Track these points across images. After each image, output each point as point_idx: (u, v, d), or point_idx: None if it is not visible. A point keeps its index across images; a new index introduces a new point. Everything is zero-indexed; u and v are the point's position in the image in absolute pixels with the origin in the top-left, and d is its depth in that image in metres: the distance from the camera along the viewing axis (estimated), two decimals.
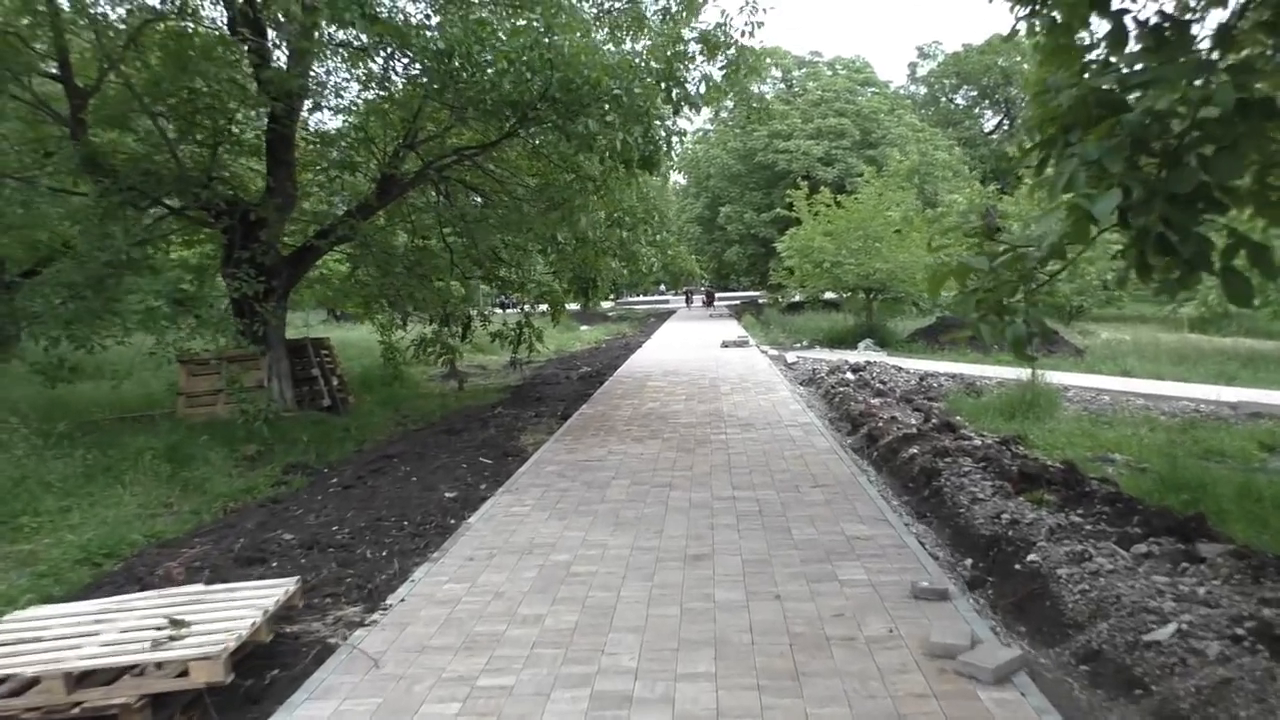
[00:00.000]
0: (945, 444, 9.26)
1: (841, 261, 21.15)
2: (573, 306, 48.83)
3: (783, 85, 46.64)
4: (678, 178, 54.88)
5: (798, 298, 27.22)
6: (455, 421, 12.19)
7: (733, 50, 11.24)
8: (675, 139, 11.28)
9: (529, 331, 14.97)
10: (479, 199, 13.14)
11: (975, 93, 49.58)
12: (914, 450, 9.24)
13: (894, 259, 20.68)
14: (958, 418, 12.00)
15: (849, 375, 16.01)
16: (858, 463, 8.79)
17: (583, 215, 9.96)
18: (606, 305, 58.12)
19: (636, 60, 10.44)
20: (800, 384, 16.14)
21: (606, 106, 9.69)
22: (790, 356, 19.92)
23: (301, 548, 5.98)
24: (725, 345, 23.29)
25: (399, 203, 13.45)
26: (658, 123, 10.50)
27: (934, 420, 11.02)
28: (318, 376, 13.26)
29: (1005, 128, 49.73)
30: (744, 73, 11.14)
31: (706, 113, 50.25)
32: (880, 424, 10.81)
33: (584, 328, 36.96)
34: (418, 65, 10.04)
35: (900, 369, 16.99)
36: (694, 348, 23.59)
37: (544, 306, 15.62)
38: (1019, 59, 46.40)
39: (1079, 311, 28.41)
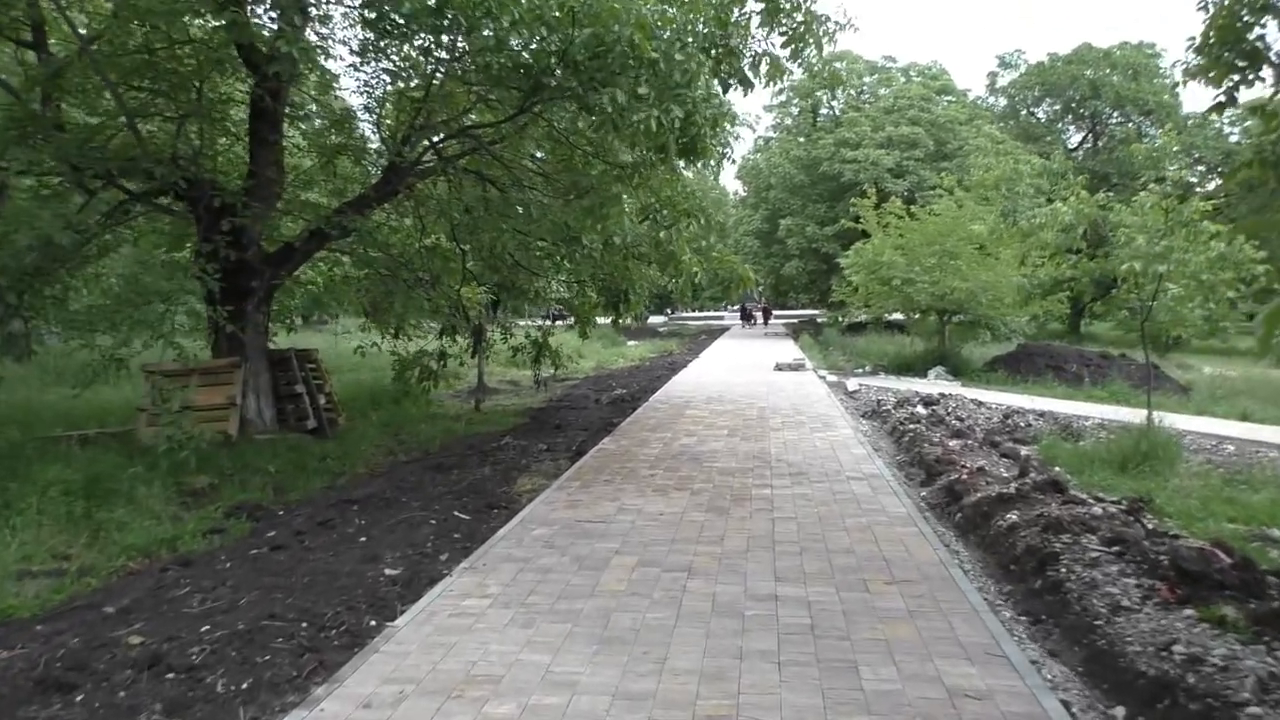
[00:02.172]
0: (1054, 511, 7.20)
1: (914, 279, 18.90)
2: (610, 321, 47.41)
3: (852, 92, 44.35)
4: (736, 185, 52.93)
5: (861, 318, 24.97)
6: (452, 453, 10.33)
7: (801, 15, 9.21)
8: (726, 123, 9.32)
9: (548, 349, 13.07)
10: (496, 192, 11.29)
11: (1059, 106, 46.62)
12: (1013, 517, 7.20)
13: (974, 277, 18.37)
14: (1057, 468, 9.86)
15: (920, 409, 13.84)
16: (943, 538, 6.68)
17: (612, 208, 7.95)
18: (657, 320, 56.29)
19: (680, 19, 8.49)
20: (863, 417, 13.99)
21: (640, 75, 7.74)
22: (851, 384, 17.74)
23: (136, 667, 4.07)
24: (779, 368, 21.13)
25: (407, 197, 11.69)
26: (702, 100, 8.54)
27: (1032, 475, 8.90)
28: (302, 393, 11.49)
29: (1089, 145, 46.73)
30: (810, 44, 9.10)
31: (769, 119, 48.39)
32: (964, 476, 8.75)
33: (631, 343, 35.10)
34: (409, 23, 8.22)
35: (979, 403, 14.75)
36: (743, 370, 21.47)
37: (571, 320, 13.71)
38: (1108, 71, 43.54)
39: (1177, 343, 25.66)
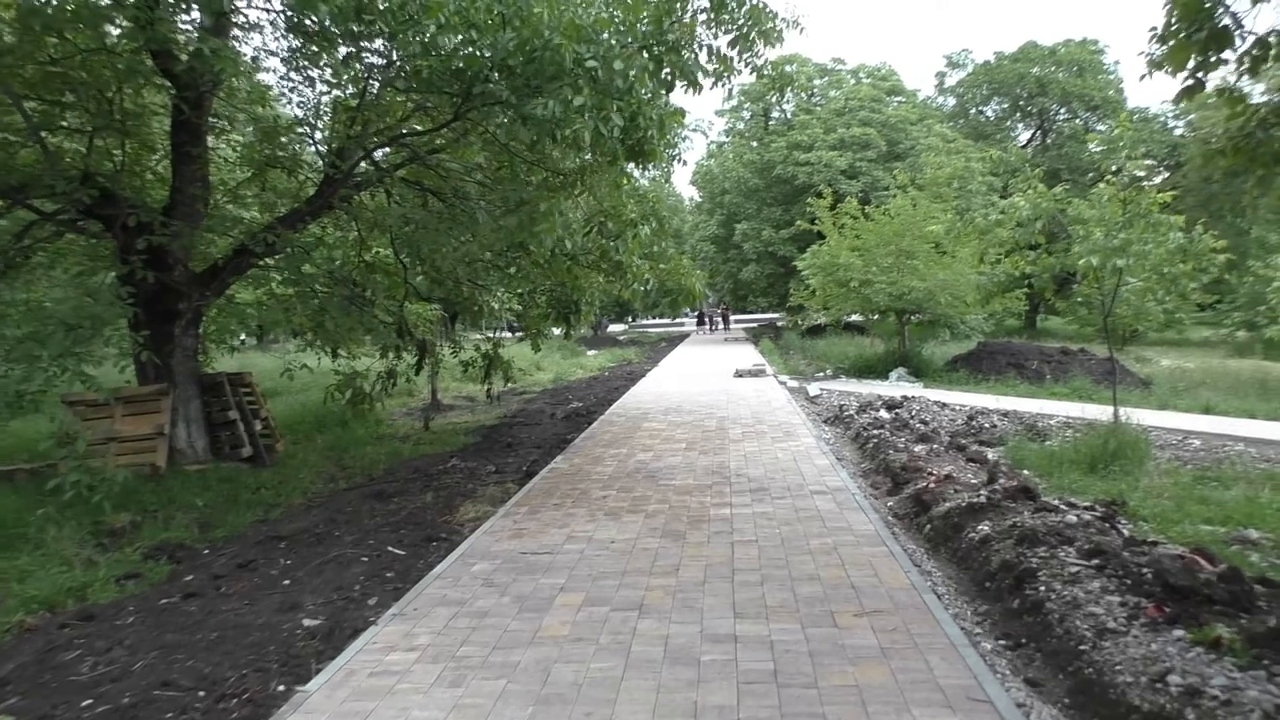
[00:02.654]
0: (1027, 520, 6.88)
1: (871, 280, 18.59)
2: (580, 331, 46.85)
3: (803, 94, 44.21)
4: (692, 192, 52.67)
5: (820, 320, 24.70)
6: (395, 478, 9.77)
7: (746, 10, 8.79)
8: (673, 124, 8.87)
9: (500, 363, 12.51)
10: (438, 203, 10.76)
11: (1007, 104, 46.87)
12: (985, 528, 6.87)
13: (932, 276, 18.10)
14: (1025, 472, 9.57)
15: (883, 413, 13.51)
16: (913, 556, 6.27)
17: (548, 220, 7.42)
18: (617, 329, 55.77)
19: (617, 20, 8.04)
20: (825, 424, 13.62)
21: (578, 82, 7.26)
22: (812, 388, 17.38)
23: None
24: (739, 375, 20.72)
25: (345, 212, 11.08)
26: (647, 102, 8.08)
27: (1002, 480, 8.56)
28: (236, 420, 10.85)
29: (1038, 142, 47.03)
30: (754, 36, 8.69)
31: (721, 124, 48.10)
32: (931, 484, 8.40)
33: (590, 353, 34.60)
34: (332, 25, 7.66)
35: (943, 405, 14.44)
36: (703, 377, 21.03)
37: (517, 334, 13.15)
38: (1054, 68, 43.88)
39: (1134, 336, 25.68)
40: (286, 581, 5.96)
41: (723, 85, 11.69)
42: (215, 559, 6.84)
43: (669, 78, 8.50)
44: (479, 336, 13.77)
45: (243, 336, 10.94)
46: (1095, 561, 5.83)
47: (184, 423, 10.44)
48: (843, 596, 5.06)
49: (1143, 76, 5.62)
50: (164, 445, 10.10)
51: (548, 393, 20.14)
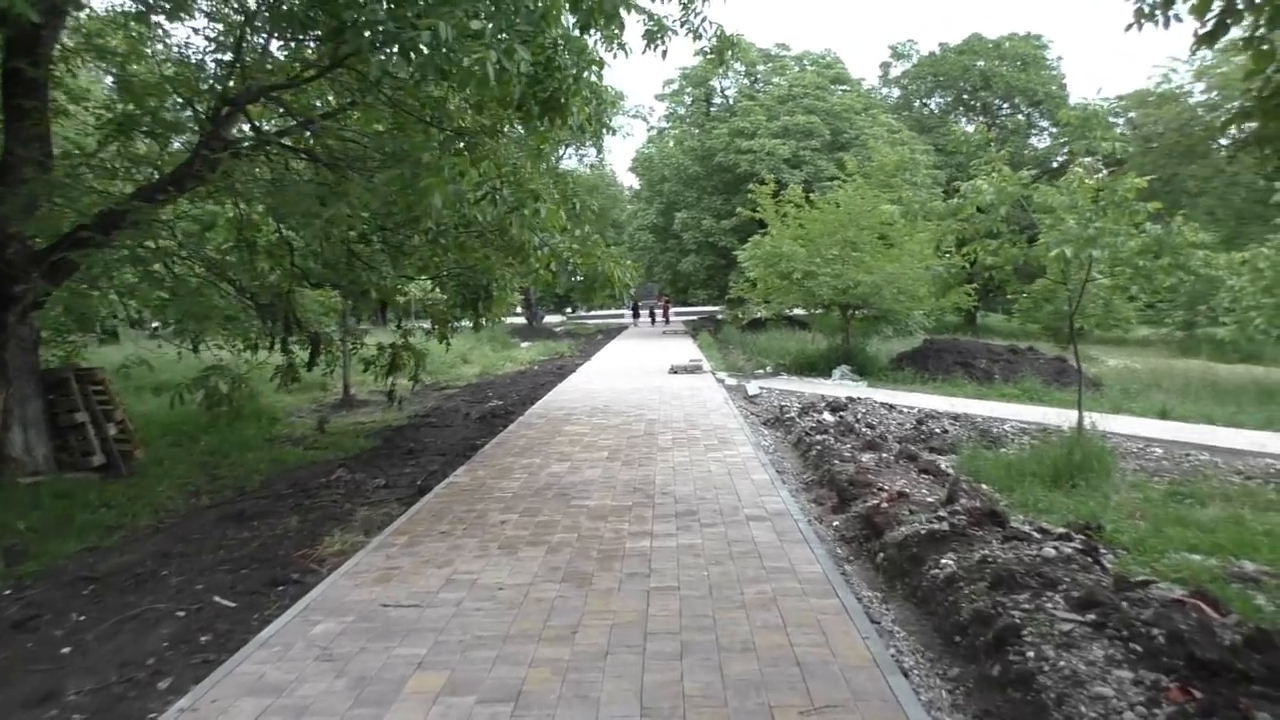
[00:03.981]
0: (998, 552, 5.82)
1: (815, 272, 17.50)
2: (514, 320, 45.11)
3: (745, 80, 43.13)
4: (631, 180, 51.38)
5: (760, 314, 23.62)
6: (267, 494, 8.36)
7: None
8: (593, 75, 7.59)
9: (408, 358, 11.10)
10: (329, 174, 9.33)
11: (950, 97, 46.41)
12: (950, 562, 5.79)
13: (879, 269, 17.07)
14: (984, 486, 8.57)
15: (827, 416, 12.45)
16: (872, 610, 5.09)
17: (434, 176, 5.98)
18: (553, 320, 54.26)
19: None
20: (764, 426, 12.51)
21: (477, 5, 5.94)
22: (751, 387, 16.26)
23: None
24: (674, 371, 19.50)
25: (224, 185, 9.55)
26: (562, 41, 6.80)
27: (963, 500, 7.53)
28: (85, 423, 9.30)
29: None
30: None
31: (661, 108, 46.74)
32: (884, 504, 7.32)
33: (524, 345, 33.22)
34: None
35: (890, 407, 13.44)
36: (636, 373, 19.76)
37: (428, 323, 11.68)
38: (998, 62, 43.49)
39: (1079, 334, 25.09)
40: (67, 649, 4.57)
41: (655, 48, 10.48)
42: (16, 600, 5.40)
43: (590, 11, 7.18)
44: (390, 328, 12.30)
45: (112, 327, 9.36)
46: (1091, 616, 4.75)
47: (19, 426, 8.87)
48: (785, 680, 3.84)
49: (1129, 26, 4.51)
50: None
51: (470, 388, 18.74)
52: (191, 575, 5.74)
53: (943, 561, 5.81)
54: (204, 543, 6.60)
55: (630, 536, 6.19)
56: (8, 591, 5.81)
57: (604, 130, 9.70)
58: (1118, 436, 10.89)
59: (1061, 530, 6.67)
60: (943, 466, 9.56)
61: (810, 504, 7.95)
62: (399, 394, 12.49)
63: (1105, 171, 9.60)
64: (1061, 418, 11.44)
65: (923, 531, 6.39)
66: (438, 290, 10.70)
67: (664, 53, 10.57)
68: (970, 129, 46.21)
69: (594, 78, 8.06)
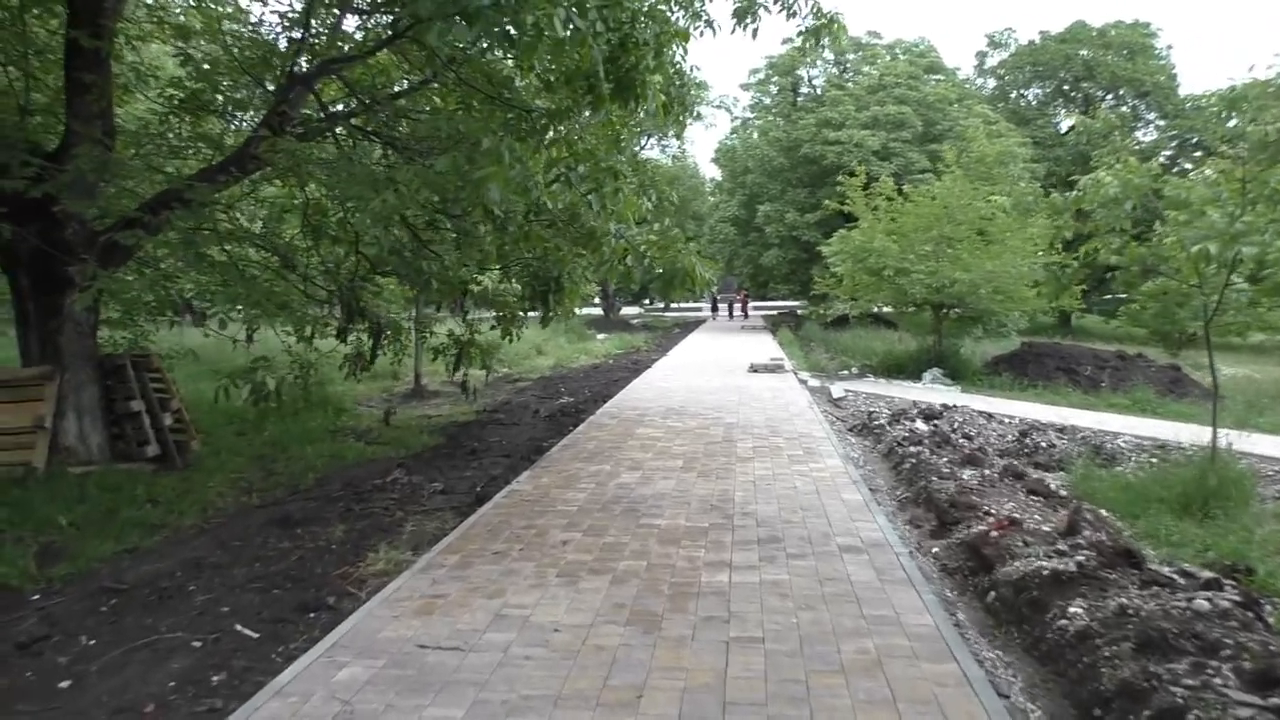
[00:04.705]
0: (1137, 601, 4.94)
1: (908, 269, 16.43)
2: (591, 311, 44.58)
3: (835, 69, 41.75)
4: (714, 172, 50.42)
5: (845, 311, 22.56)
6: (317, 495, 7.86)
7: None
8: (676, 51, 6.87)
9: (475, 350, 10.52)
10: (397, 156, 8.79)
11: (1050, 88, 44.19)
12: (1079, 612, 4.93)
13: (978, 267, 15.92)
14: (1104, 513, 7.61)
15: (920, 425, 11.50)
16: (998, 679, 4.26)
17: (495, 163, 5.28)
18: (630, 312, 53.64)
19: None
20: (851, 433, 11.63)
21: None
22: (836, 389, 15.34)
23: None
24: (754, 370, 18.63)
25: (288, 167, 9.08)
26: (641, 13, 6.08)
27: (1086, 532, 6.61)
28: (140, 412, 8.95)
29: (1082, 129, 44.42)
30: None
31: (746, 99, 45.60)
32: (993, 532, 6.45)
33: (600, 337, 32.67)
34: None
35: (989, 416, 12.41)
36: (714, 371, 18.95)
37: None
38: (1103, 51, 41.25)
39: (1190, 340, 23.38)
40: (65, 683, 4.03)
41: (745, 27, 9.68)
42: (12, 624, 4.91)
43: None
44: (470, 318, 11.75)
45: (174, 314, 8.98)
46: (1273, 699, 3.85)
47: (74, 414, 8.57)
48: None
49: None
50: (44, 441, 8.26)
51: (542, 382, 18.20)
52: (220, 593, 5.20)
53: (1071, 610, 4.96)
54: (242, 552, 6.08)
55: (706, 567, 5.43)
56: (35, 596, 5.38)
57: (686, 116, 8.93)
58: (1250, 457, 9.72)
59: (1209, 575, 5.71)
60: (1053, 487, 8.62)
61: (906, 526, 7.12)
62: (471, 386, 11.92)
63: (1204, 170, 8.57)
64: (1181, 433, 10.33)
65: (1045, 571, 5.53)
66: (510, 281, 10.07)
67: (754, 32, 9.75)
68: (1070, 121, 44.11)
69: (677, 55, 7.35)
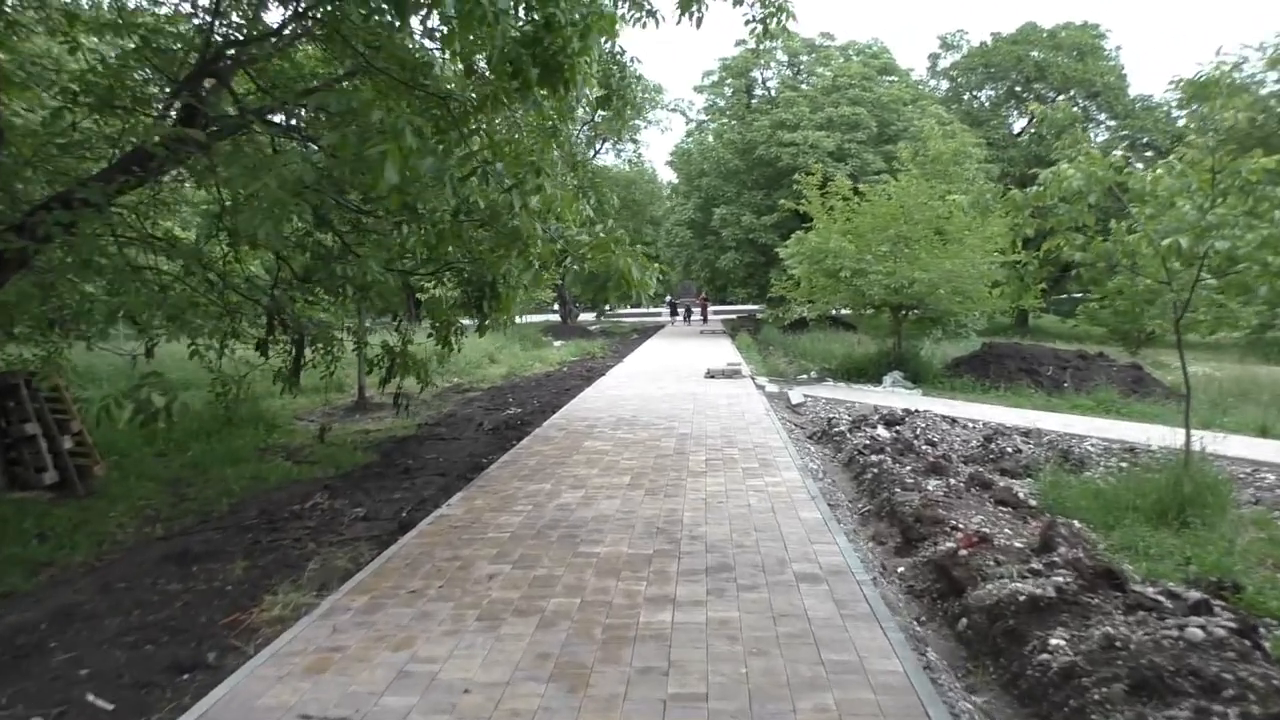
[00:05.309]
0: (1123, 631, 4.46)
1: (865, 270, 15.98)
2: (549, 317, 43.74)
3: (788, 70, 41.43)
4: (669, 174, 49.95)
5: (804, 314, 22.14)
6: (228, 524, 7.15)
7: None
8: (606, 35, 6.27)
9: (404, 361, 9.82)
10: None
11: (1002, 90, 44.28)
12: (1062, 643, 4.47)
13: (937, 266, 15.52)
14: (1077, 524, 7.16)
15: (881, 431, 11.06)
16: None
17: (388, 143, 4.59)
18: (587, 318, 52.91)
19: None
20: (810, 441, 11.13)
21: None
22: (795, 394, 14.84)
23: None
24: (710, 376, 18.08)
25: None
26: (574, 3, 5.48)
27: (1062, 548, 6.16)
28: (36, 435, 8.15)
29: (1034, 130, 44.56)
30: None
31: (700, 100, 45.10)
32: (962, 549, 5.98)
33: (556, 344, 31.98)
34: None
35: (952, 420, 11.97)
36: (670, 377, 18.37)
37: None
38: (1054, 52, 41.42)
39: (1150, 338, 23.28)
40: None
41: (690, 16, 9.13)
42: None
43: None
44: (393, 327, 11.04)
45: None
46: None
47: None
48: None
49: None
50: None
51: (492, 391, 17.50)
52: (86, 649, 4.49)
53: (1052, 642, 4.49)
54: (125, 596, 5.36)
55: (647, 605, 4.82)
56: None
57: (629, 111, 8.35)
58: (1221, 459, 9.33)
59: (1196, 595, 5.24)
60: (1021, 495, 8.18)
61: (869, 544, 6.61)
62: (406, 400, 11.23)
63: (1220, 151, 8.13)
64: (1149, 435, 9.96)
65: (1021, 596, 5.03)
66: (444, 286, 9.36)
67: (699, 21, 9.21)
68: (1021, 122, 44.27)
69: (611, 44, 6.76)
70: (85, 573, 6.08)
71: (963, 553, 5.96)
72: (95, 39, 8.68)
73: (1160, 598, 5.16)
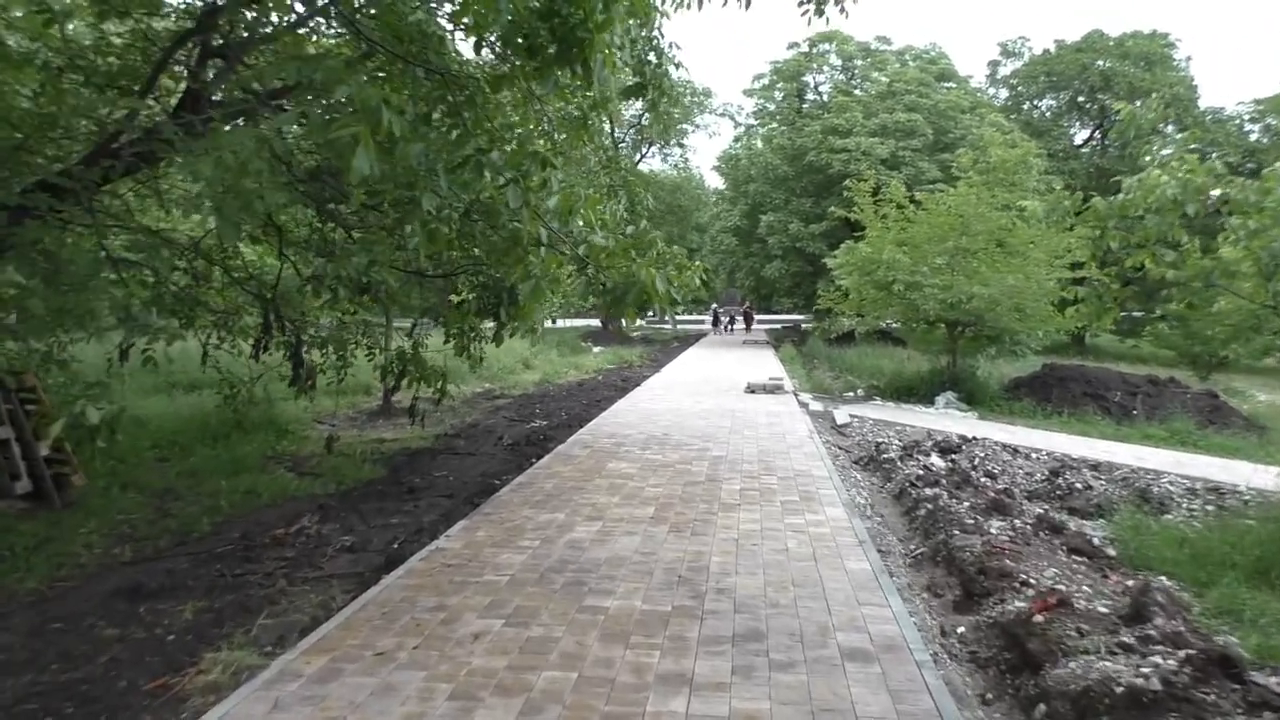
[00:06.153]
0: None
1: (920, 283, 14.92)
2: (590, 322, 42.94)
3: (841, 75, 40.28)
4: (715, 180, 49.00)
5: (851, 327, 21.05)
6: (200, 549, 6.39)
7: None
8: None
9: (420, 369, 9.05)
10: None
11: (1064, 99, 42.69)
12: None
13: (998, 281, 14.41)
14: (1165, 580, 6.16)
15: (936, 460, 10.07)
16: None
17: (356, 127, 3.77)
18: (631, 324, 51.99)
19: None
20: (856, 467, 10.18)
21: None
22: (840, 414, 13.83)
23: None
24: (750, 390, 17.10)
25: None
26: None
27: (1159, 620, 5.17)
28: (10, 440, 7.49)
29: (1096, 142, 42.94)
30: None
31: (750, 105, 44.05)
32: (1036, 613, 5.05)
33: (595, 350, 31.24)
34: None
35: (1014, 450, 10.92)
36: (708, 391, 17.43)
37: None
38: (1120, 61, 39.81)
39: (1223, 363, 21.85)
40: None
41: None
42: None
43: None
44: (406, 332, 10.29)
45: None
46: None
47: None
48: None
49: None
50: None
51: (522, 400, 16.72)
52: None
53: None
54: (55, 641, 4.60)
55: (657, 685, 3.93)
56: None
57: (667, 104, 7.50)
58: None
59: None
60: (1097, 542, 7.20)
61: (924, 596, 5.69)
62: (422, 410, 10.48)
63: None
64: (1232, 472, 9.17)
65: (1118, 687, 4.10)
66: (454, 293, 8.54)
67: (747, 3, 8.35)
68: (1080, 138, 42.67)
69: (639, 24, 5.92)
70: (29, 604, 5.34)
71: (1038, 618, 5.01)
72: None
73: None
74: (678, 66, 7.67)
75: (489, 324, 8.45)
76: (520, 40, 5.08)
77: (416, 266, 7.50)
